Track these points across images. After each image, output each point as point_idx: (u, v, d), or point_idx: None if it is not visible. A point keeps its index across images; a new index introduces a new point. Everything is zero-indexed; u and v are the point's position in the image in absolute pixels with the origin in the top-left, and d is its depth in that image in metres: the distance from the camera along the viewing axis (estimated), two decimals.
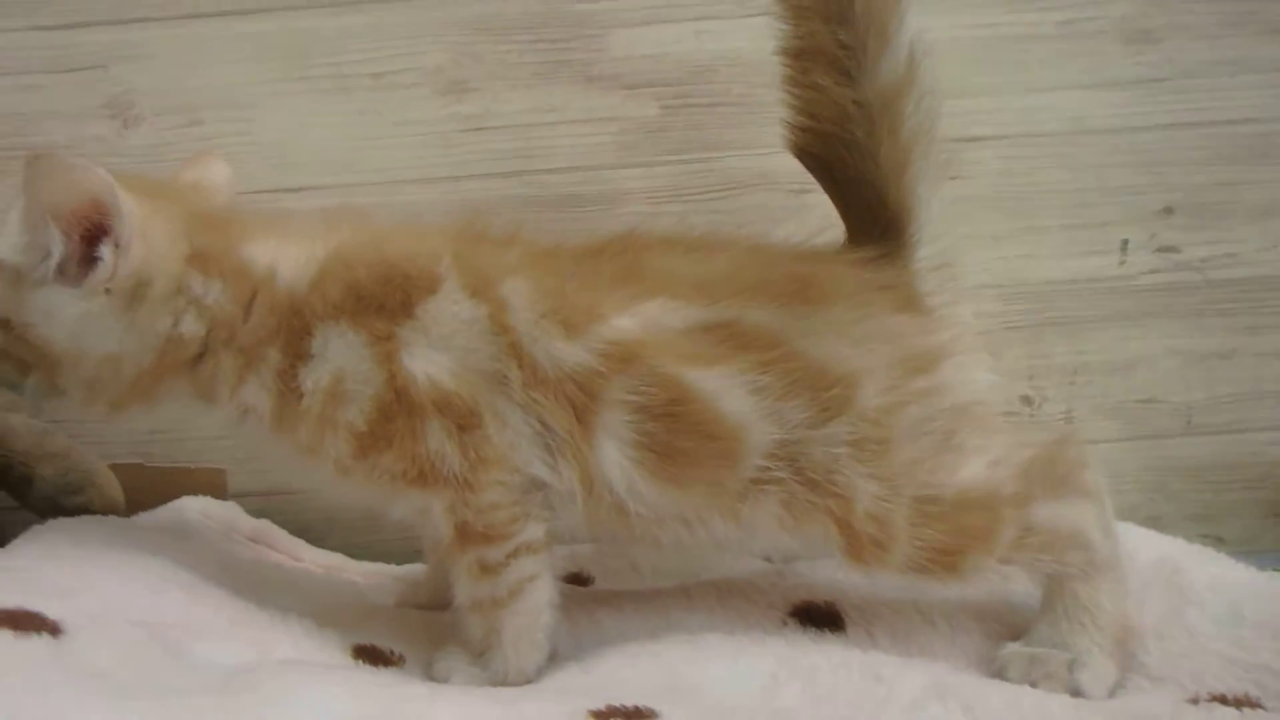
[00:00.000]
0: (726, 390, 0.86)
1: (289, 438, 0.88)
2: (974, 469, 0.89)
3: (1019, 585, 0.95)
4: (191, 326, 0.87)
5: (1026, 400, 1.21)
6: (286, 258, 0.89)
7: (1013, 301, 1.19)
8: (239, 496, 1.20)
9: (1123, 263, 1.19)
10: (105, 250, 0.84)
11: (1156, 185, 1.18)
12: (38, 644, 0.75)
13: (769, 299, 0.88)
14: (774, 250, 0.96)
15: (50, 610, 0.79)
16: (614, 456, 0.85)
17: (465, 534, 0.86)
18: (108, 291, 0.85)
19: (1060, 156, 1.17)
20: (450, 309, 0.86)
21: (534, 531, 0.87)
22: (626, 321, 0.86)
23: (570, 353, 0.85)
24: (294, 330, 0.86)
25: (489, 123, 1.17)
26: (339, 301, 0.86)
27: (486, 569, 0.86)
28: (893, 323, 0.90)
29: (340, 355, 0.85)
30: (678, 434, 0.85)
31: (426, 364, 0.85)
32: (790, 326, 0.87)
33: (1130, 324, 1.20)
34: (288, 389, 0.86)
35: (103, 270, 0.84)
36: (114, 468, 1.12)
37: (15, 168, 1.13)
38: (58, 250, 0.84)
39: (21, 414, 1.11)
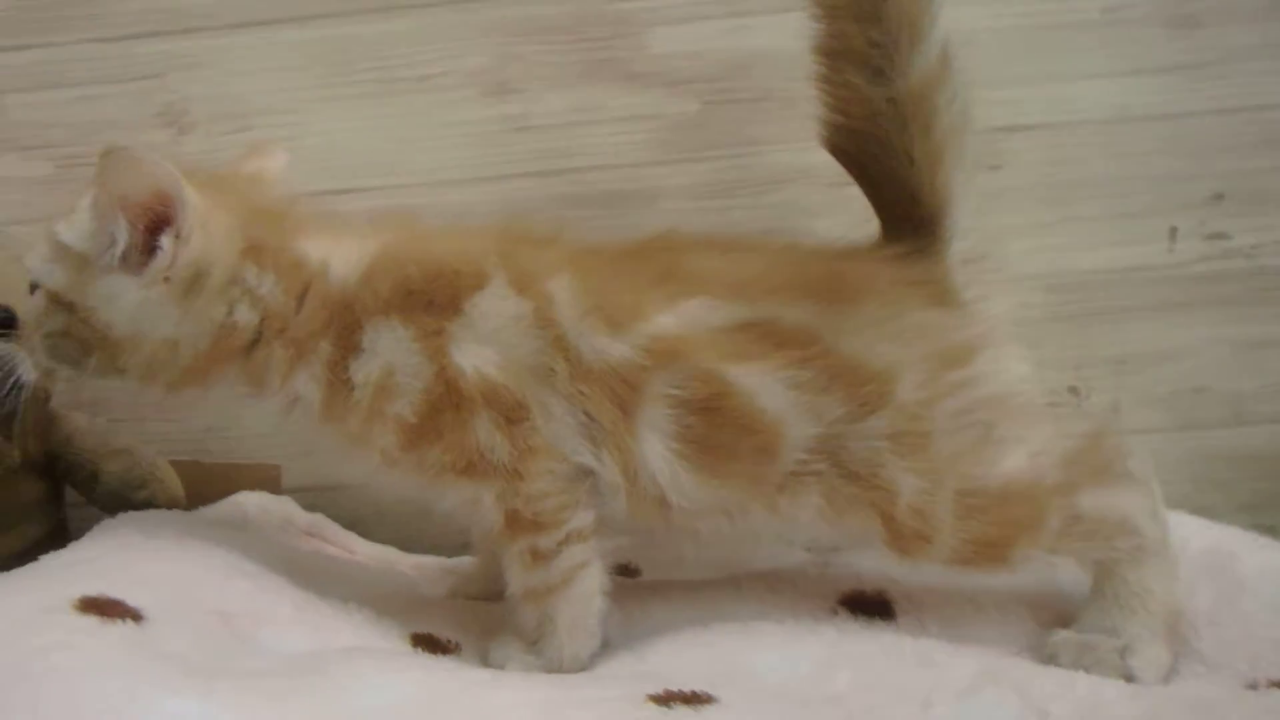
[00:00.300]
0: (765, 386, 0.87)
1: (337, 428, 0.90)
2: (1016, 460, 0.89)
3: (1068, 572, 0.95)
4: (245, 316, 0.89)
5: (1073, 391, 1.20)
6: (338, 253, 0.91)
7: (1058, 292, 1.18)
8: (293, 491, 1.22)
9: (1171, 251, 1.18)
10: (165, 240, 0.87)
11: (1205, 172, 1.16)
12: (122, 629, 0.78)
13: (805, 297, 0.89)
14: (809, 249, 0.97)
15: (130, 598, 0.82)
16: (657, 449, 0.87)
17: (515, 523, 0.87)
18: (167, 280, 0.87)
19: (1105, 145, 1.16)
20: (498, 304, 0.88)
21: (583, 518, 0.89)
22: (668, 319, 0.88)
23: (614, 348, 0.87)
24: (345, 324, 0.89)
25: (531, 122, 1.18)
26: (389, 297, 0.88)
27: (538, 557, 0.88)
28: (927, 318, 0.91)
29: (390, 350, 0.87)
30: (718, 428, 0.87)
31: (474, 358, 0.87)
32: (826, 324, 0.88)
33: (1178, 312, 1.18)
34: (338, 380, 0.88)
35: (162, 259, 0.87)
36: (173, 464, 1.15)
37: (79, 174, 1.19)
38: (123, 239, 0.87)
39: (85, 412, 1.15)
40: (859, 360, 0.87)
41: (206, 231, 0.88)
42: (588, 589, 0.89)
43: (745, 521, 0.90)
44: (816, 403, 0.87)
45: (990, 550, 0.88)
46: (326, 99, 1.19)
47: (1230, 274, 1.18)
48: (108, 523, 1.01)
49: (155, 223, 0.87)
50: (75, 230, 0.89)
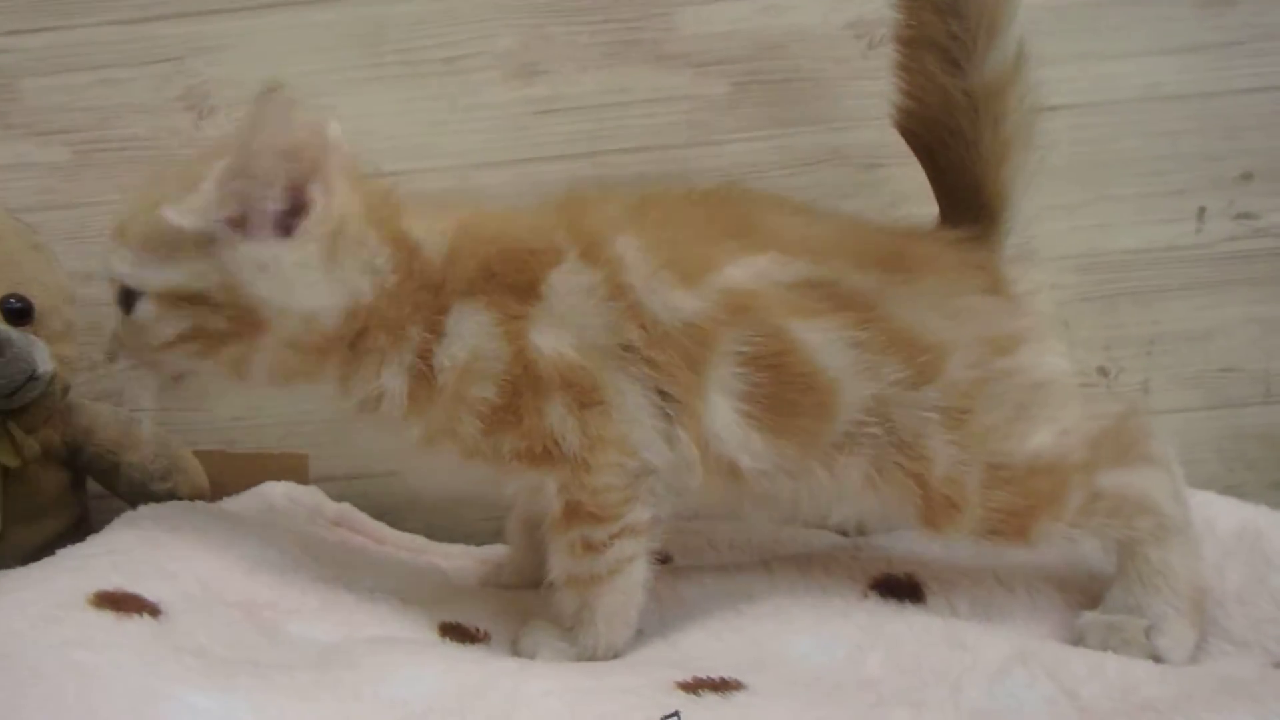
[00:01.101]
0: (827, 344, 0.87)
1: (419, 421, 0.87)
2: (1044, 437, 0.90)
3: (1097, 553, 0.96)
4: (365, 291, 0.86)
5: (1103, 371, 1.20)
6: (428, 232, 0.88)
7: (1088, 272, 1.18)
8: (320, 481, 1.21)
9: (1199, 231, 1.17)
10: (316, 192, 0.83)
11: (1235, 151, 1.16)
12: (139, 625, 0.77)
13: (868, 265, 0.90)
14: (874, 222, 0.99)
15: (149, 592, 0.81)
16: (726, 412, 0.86)
17: (575, 512, 0.87)
18: (316, 240, 0.84)
19: (1135, 124, 1.15)
20: (572, 280, 0.86)
21: (641, 514, 0.88)
22: (738, 272, 0.87)
23: (687, 301, 0.86)
24: (434, 307, 0.87)
25: (560, 104, 1.17)
26: (474, 278, 0.86)
27: (590, 547, 0.87)
28: (980, 303, 0.91)
29: (474, 332, 0.86)
30: (783, 385, 0.86)
31: (552, 339, 0.85)
32: (888, 293, 0.89)
33: (1208, 292, 1.18)
34: (425, 368, 0.86)
35: (317, 213, 0.83)
36: (198, 454, 1.14)
37: (98, 160, 1.19)
38: (276, 198, 0.82)
39: (108, 403, 1.14)
40: (915, 331, 0.88)
41: (339, 185, 0.85)
42: (632, 582, 0.89)
43: (806, 482, 0.90)
44: (875, 363, 0.87)
45: (1014, 520, 0.89)
46: (353, 81, 1.17)
47: (1259, 253, 1.18)
48: (128, 515, 1.00)
49: (296, 180, 0.82)
50: (196, 207, 0.82)
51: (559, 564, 0.89)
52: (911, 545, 1.05)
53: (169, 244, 0.83)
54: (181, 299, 0.84)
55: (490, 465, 0.88)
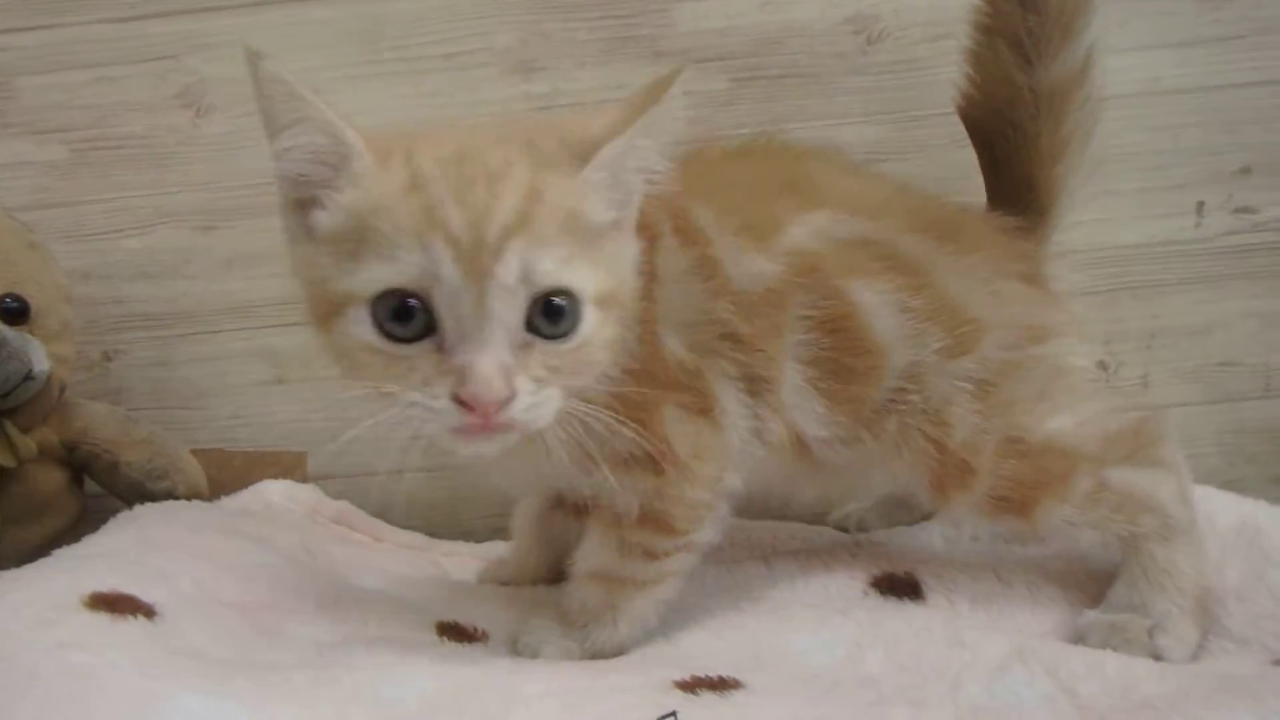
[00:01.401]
0: (880, 306, 0.87)
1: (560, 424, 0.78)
2: (1062, 422, 0.90)
3: (1097, 551, 0.95)
4: None
5: (1103, 365, 1.20)
6: None
7: (1089, 267, 1.16)
8: (318, 479, 1.21)
9: (1198, 225, 1.17)
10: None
11: (1233, 145, 1.16)
12: (134, 626, 0.77)
13: (922, 231, 0.90)
14: (929, 194, 0.99)
15: (144, 593, 0.80)
16: (795, 381, 0.86)
17: (652, 518, 0.84)
18: None
19: (1135, 118, 1.15)
20: (673, 260, 0.83)
21: (707, 535, 0.87)
22: (800, 231, 0.87)
23: (762, 265, 0.85)
24: None
25: (558, 100, 1.17)
26: None
27: (648, 553, 0.86)
28: (1021, 290, 0.92)
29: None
30: (842, 351, 0.86)
31: (672, 338, 0.82)
32: (938, 261, 0.89)
33: (1207, 286, 1.18)
34: None
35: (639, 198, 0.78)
36: (196, 453, 1.15)
37: (96, 158, 1.18)
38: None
39: (105, 403, 1.14)
40: (959, 303, 0.88)
41: None
42: (667, 593, 0.88)
43: (857, 451, 0.89)
44: (921, 330, 0.87)
45: (1021, 491, 0.88)
46: (351, 78, 1.17)
47: (1258, 248, 1.18)
48: (125, 514, 1.01)
49: None
50: (607, 197, 0.74)
51: (597, 557, 0.87)
52: (911, 543, 1.06)
53: (581, 239, 0.72)
54: (606, 301, 0.74)
55: (586, 468, 0.80)
